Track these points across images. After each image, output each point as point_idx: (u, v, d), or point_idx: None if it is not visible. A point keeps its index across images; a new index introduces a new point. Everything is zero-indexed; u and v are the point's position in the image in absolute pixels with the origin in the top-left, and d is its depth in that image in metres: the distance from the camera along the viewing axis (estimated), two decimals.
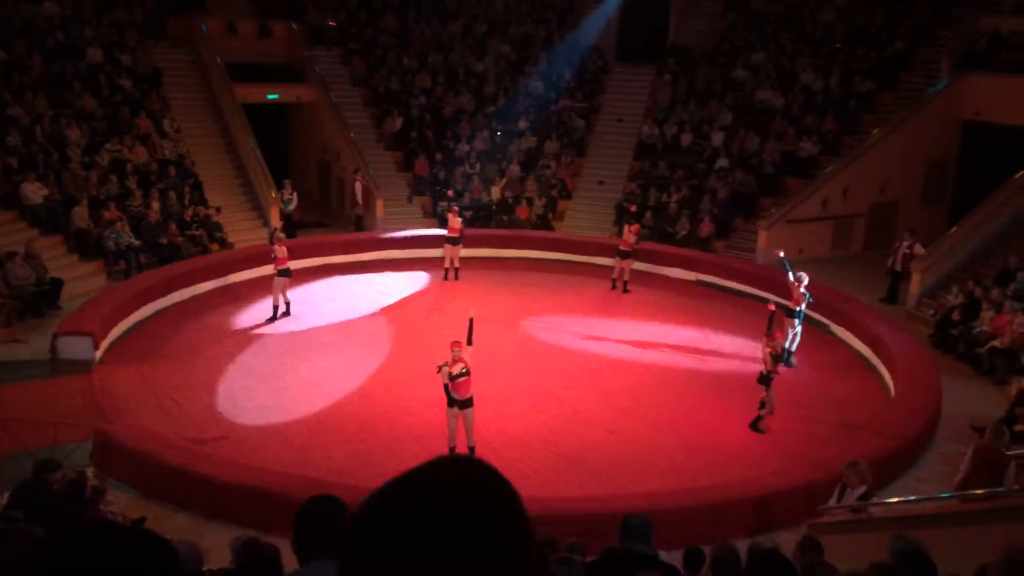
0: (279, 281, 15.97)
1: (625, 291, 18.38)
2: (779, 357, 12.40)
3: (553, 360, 14.74)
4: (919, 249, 18.32)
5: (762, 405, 12.44)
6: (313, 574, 2.80)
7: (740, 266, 19.53)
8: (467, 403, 10.84)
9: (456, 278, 18.83)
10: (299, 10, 25.87)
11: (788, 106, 23.28)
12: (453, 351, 10.78)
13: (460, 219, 18.91)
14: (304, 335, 15.59)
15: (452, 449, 10.95)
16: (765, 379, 12.27)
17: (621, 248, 18.35)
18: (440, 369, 10.84)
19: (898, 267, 18.43)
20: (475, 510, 1.12)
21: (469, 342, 10.88)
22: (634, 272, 18.64)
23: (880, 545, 5.89)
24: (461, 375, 10.70)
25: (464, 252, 19.10)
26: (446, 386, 10.76)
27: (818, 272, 18.40)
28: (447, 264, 18.88)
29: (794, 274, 14.71)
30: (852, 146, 22.04)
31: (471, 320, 11.06)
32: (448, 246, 18.79)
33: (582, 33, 26.87)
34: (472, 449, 11.06)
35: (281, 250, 15.87)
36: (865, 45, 23.87)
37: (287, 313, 16.25)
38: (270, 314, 16.10)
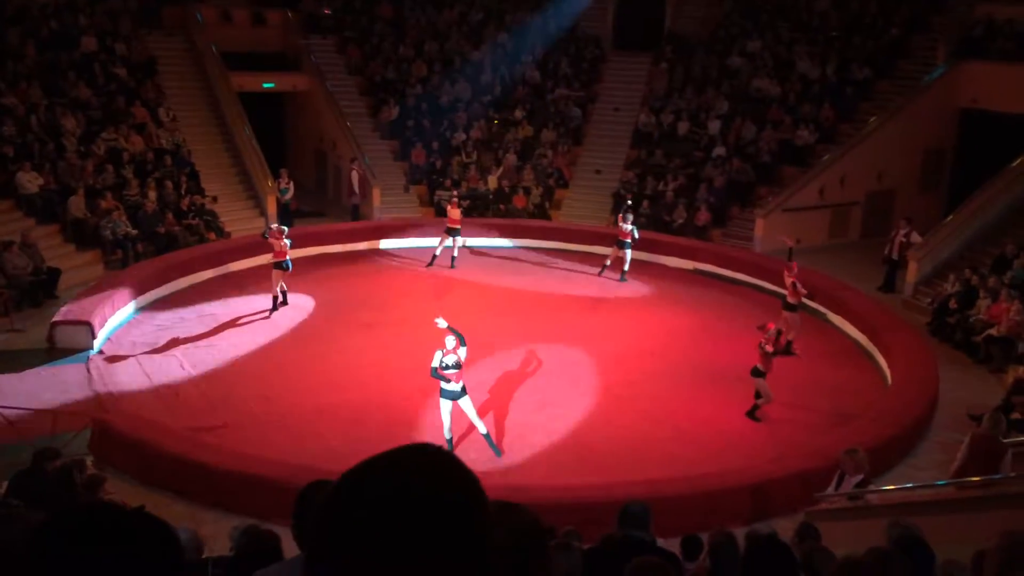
0: (276, 273, 15.95)
1: (622, 279, 18.39)
2: (774, 350, 12.32)
3: (549, 349, 14.74)
4: (916, 237, 18.32)
5: (758, 395, 12.46)
6: None
7: (737, 254, 19.54)
8: (459, 393, 10.84)
9: (453, 266, 18.82)
10: None
11: (785, 94, 23.24)
12: (448, 340, 10.77)
13: (459, 210, 18.88)
14: (301, 324, 15.59)
15: (449, 440, 10.94)
16: (758, 372, 12.25)
17: (620, 238, 18.35)
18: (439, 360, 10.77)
19: (895, 256, 18.42)
20: (442, 499, 1.13)
21: (462, 343, 10.79)
22: (633, 260, 18.65)
23: (877, 532, 5.91)
24: (453, 367, 10.69)
25: (461, 241, 19.09)
26: (434, 370, 10.68)
27: (815, 261, 18.46)
28: (438, 251, 18.84)
29: (788, 265, 14.76)
30: (849, 134, 22.02)
31: (448, 327, 10.84)
32: (446, 235, 18.77)
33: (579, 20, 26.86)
34: (487, 436, 11.07)
35: (278, 243, 15.83)
36: (861, 33, 23.83)
37: (284, 303, 16.24)
38: (269, 305, 16.06)
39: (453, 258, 18.88)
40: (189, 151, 21.16)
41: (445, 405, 10.86)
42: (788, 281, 14.60)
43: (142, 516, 1.36)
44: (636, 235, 18.15)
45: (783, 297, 15.07)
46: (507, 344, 14.74)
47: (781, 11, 25.70)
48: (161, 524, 1.35)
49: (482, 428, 11.09)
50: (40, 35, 21.24)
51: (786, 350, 14.35)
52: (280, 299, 16.17)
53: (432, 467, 1.17)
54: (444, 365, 10.62)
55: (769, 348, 12.17)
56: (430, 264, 18.82)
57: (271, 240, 15.84)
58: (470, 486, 1.17)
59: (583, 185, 23.62)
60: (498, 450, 11.10)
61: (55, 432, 10.40)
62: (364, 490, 1.14)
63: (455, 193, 20.54)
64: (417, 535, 1.09)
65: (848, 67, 23.12)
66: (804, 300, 14.73)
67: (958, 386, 13.70)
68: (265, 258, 16.71)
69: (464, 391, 10.80)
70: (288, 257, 15.88)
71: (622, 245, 18.26)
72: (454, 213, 18.73)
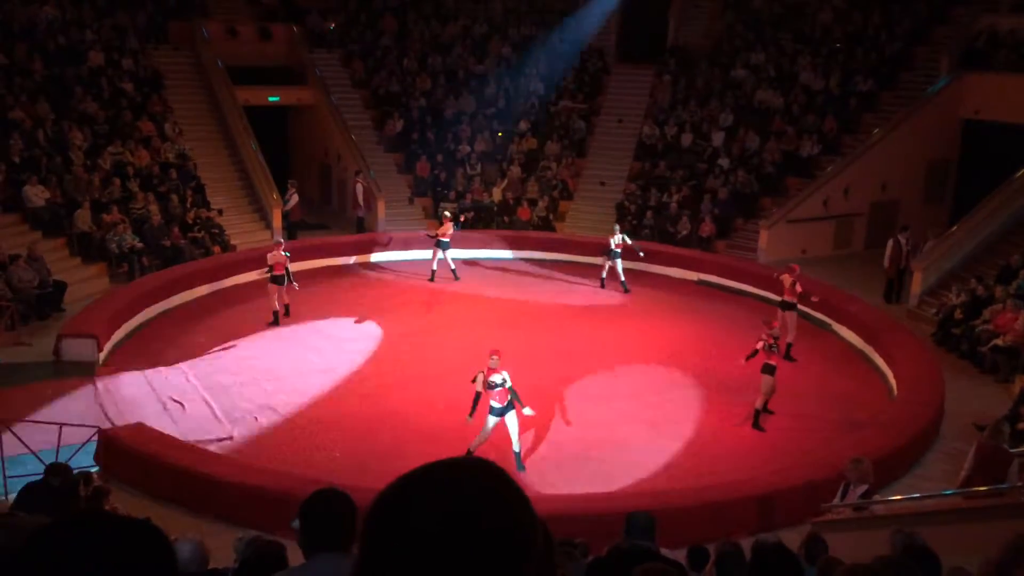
0: (272, 287, 15.99)
1: (625, 291, 18.39)
2: (772, 347, 12.34)
3: (554, 360, 14.73)
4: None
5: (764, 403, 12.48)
6: (318, 566, 2.82)
7: (741, 266, 19.54)
8: (506, 408, 10.89)
9: (456, 278, 18.82)
10: (299, 13, 25.91)
11: (788, 106, 23.28)
12: (491, 359, 10.81)
13: (452, 224, 18.82)
14: (306, 337, 15.59)
15: (469, 452, 10.89)
16: (769, 369, 12.27)
17: (611, 248, 18.39)
18: (475, 379, 10.87)
19: (903, 264, 18.29)
20: (490, 516, 1.13)
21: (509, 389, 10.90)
22: (637, 272, 18.68)
23: (884, 542, 5.90)
24: (500, 385, 10.76)
25: (466, 254, 19.10)
26: (478, 394, 10.82)
27: (820, 271, 18.46)
28: (434, 265, 18.85)
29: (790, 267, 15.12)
30: (852, 145, 22.03)
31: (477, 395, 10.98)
32: (436, 249, 18.79)
33: (582, 32, 26.93)
34: (518, 454, 11.12)
35: (273, 256, 15.87)
36: (864, 45, 23.87)
37: (287, 315, 16.26)
38: (271, 318, 16.07)
39: (453, 270, 18.87)
40: (195, 164, 21.25)
41: (491, 421, 10.91)
42: (788, 281, 14.73)
43: (133, 524, 1.35)
44: (624, 241, 18.20)
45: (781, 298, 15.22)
46: (510, 356, 14.66)
47: (784, 23, 25.76)
48: (154, 532, 1.35)
49: (517, 446, 11.13)
50: (47, 50, 21.37)
51: (785, 355, 14.38)
52: (283, 312, 16.20)
53: (487, 482, 1.17)
54: (490, 384, 10.75)
55: (759, 345, 12.20)
56: (431, 279, 18.80)
57: (269, 253, 15.95)
58: (526, 506, 1.17)
59: (587, 197, 23.66)
60: (522, 466, 11.15)
61: (61, 445, 10.41)
62: (425, 499, 1.14)
63: (448, 211, 20.52)
64: (472, 550, 1.10)
65: (851, 79, 23.16)
66: (800, 305, 14.92)
67: (964, 396, 13.65)
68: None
69: (511, 406, 10.89)
70: (285, 270, 15.90)
71: (611, 255, 18.26)
72: (446, 228, 18.72)
